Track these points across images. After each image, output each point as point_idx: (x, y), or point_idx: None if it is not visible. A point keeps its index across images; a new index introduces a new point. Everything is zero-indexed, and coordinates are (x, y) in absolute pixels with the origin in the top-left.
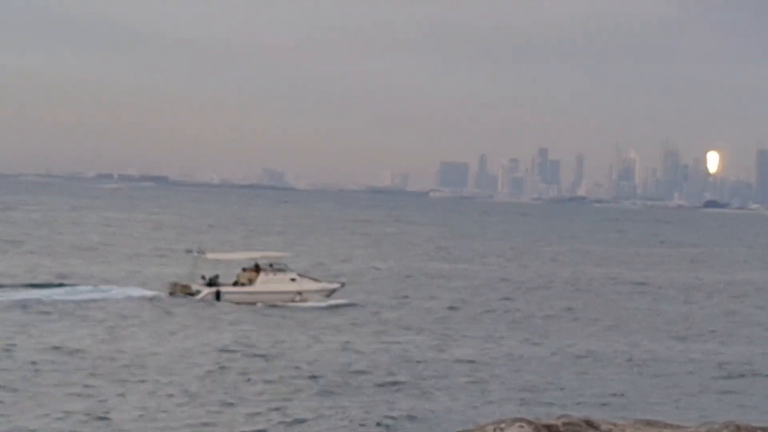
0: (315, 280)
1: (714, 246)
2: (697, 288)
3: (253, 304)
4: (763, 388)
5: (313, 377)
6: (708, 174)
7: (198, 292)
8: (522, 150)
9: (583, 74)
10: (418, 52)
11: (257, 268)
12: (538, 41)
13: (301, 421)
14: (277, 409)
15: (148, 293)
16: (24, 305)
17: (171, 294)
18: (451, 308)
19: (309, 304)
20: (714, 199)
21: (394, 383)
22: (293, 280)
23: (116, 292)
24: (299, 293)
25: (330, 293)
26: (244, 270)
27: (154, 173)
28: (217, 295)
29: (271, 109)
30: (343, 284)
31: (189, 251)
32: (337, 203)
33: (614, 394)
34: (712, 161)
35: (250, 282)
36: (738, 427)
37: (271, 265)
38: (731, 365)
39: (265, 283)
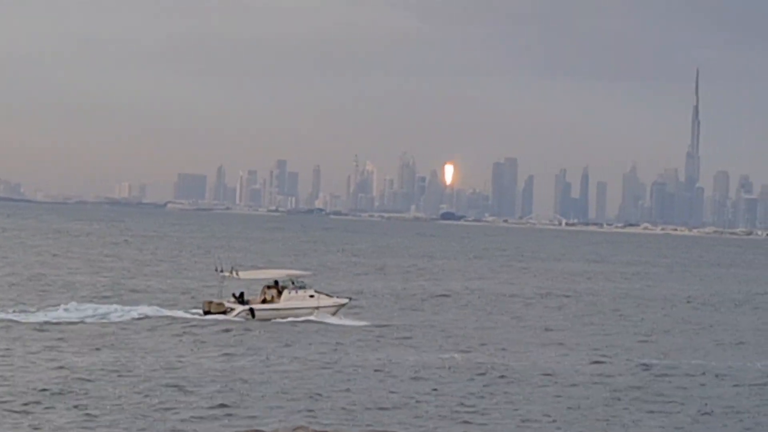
0: (329, 295)
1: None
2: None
3: (282, 319)
4: None
5: None
6: (444, 186)
7: (231, 309)
8: (260, 162)
9: (322, 86)
10: (159, 65)
11: (277, 285)
12: (279, 53)
13: None
14: None
15: (186, 314)
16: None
17: (206, 312)
18: None
19: (326, 319)
20: (451, 211)
21: None
22: (312, 296)
23: (147, 310)
24: (317, 308)
25: (340, 308)
26: (268, 287)
27: None
28: (252, 312)
29: (9, 121)
30: (350, 299)
31: (219, 270)
32: (62, 216)
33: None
34: (449, 174)
35: (274, 299)
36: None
37: (292, 282)
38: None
39: (289, 299)
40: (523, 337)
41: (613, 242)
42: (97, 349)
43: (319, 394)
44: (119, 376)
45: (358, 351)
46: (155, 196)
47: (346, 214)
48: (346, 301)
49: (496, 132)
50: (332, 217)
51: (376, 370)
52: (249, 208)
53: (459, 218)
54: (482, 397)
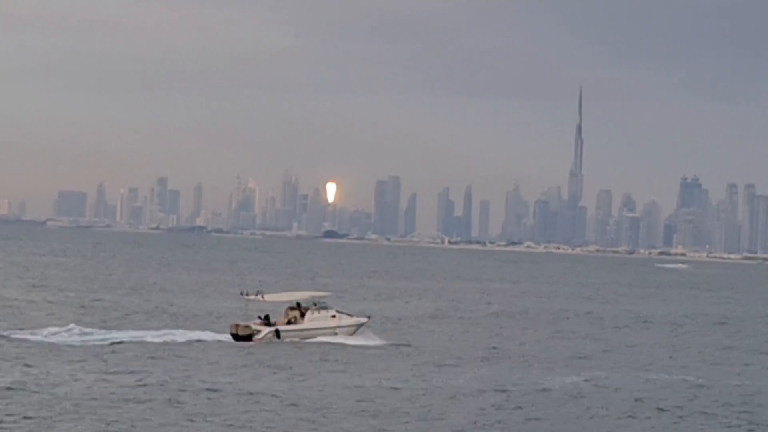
0: (349, 315)
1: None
2: None
3: (307, 339)
4: None
5: None
6: (327, 204)
7: (258, 332)
8: (141, 179)
9: (204, 103)
10: (38, 80)
11: (299, 307)
12: (160, 70)
13: None
14: None
15: (218, 336)
16: None
17: (232, 335)
18: None
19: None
20: (333, 229)
21: None
22: (333, 316)
23: (183, 335)
24: (339, 327)
25: (360, 327)
26: (291, 309)
27: None
28: (277, 334)
29: None
30: (369, 318)
31: (245, 294)
32: None
33: None
34: (331, 192)
35: (297, 320)
36: None
37: (315, 304)
38: None
39: (312, 320)
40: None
41: (517, 261)
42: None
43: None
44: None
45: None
46: (35, 213)
47: (227, 232)
48: (365, 320)
49: (379, 150)
50: (213, 234)
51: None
52: (129, 225)
53: (341, 236)
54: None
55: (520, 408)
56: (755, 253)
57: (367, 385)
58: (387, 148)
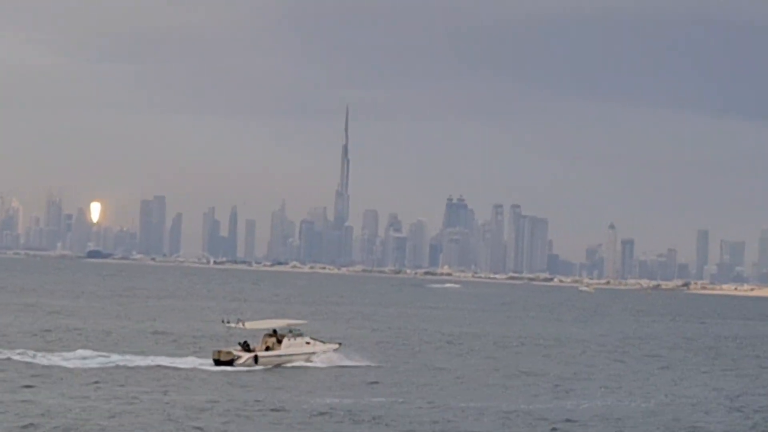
0: (322, 342)
1: None
2: None
3: (283, 364)
4: None
5: None
6: (91, 224)
7: (239, 357)
8: None
9: None
10: None
11: (276, 334)
12: None
13: None
14: None
15: (199, 361)
16: None
17: (214, 360)
18: None
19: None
20: (98, 248)
21: None
22: (308, 342)
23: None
24: (314, 353)
25: (332, 352)
26: (268, 336)
27: None
28: (255, 359)
29: None
30: (340, 344)
31: (226, 322)
32: None
33: None
34: (95, 211)
35: (274, 346)
36: None
37: (290, 331)
38: None
39: (288, 347)
40: None
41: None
42: None
43: None
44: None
45: None
46: None
47: None
48: (336, 346)
49: (144, 169)
50: None
51: None
52: None
53: (106, 256)
54: None
55: None
56: (520, 273)
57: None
58: (152, 168)
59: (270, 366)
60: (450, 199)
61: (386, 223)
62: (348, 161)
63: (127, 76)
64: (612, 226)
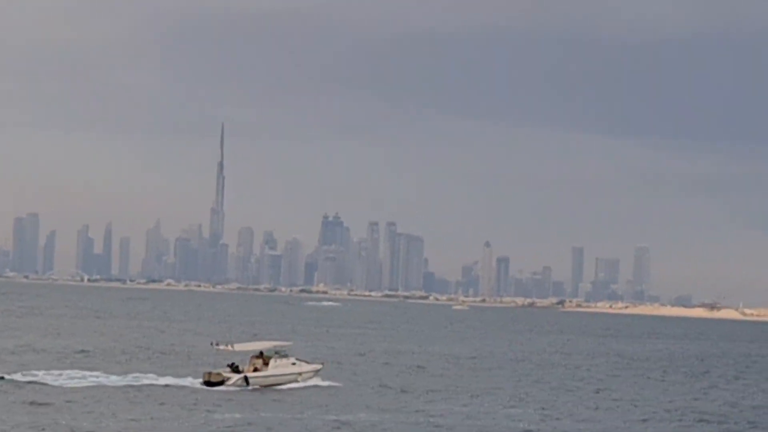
0: (307, 362)
1: None
2: None
3: (271, 385)
4: None
5: None
6: None
7: (228, 378)
8: None
9: None
10: None
11: (262, 355)
12: None
13: None
14: None
15: (187, 382)
16: None
17: (205, 381)
18: None
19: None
20: None
21: None
22: (294, 363)
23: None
24: (300, 374)
25: (317, 373)
26: (255, 357)
27: None
28: (246, 380)
29: None
30: (323, 364)
31: (215, 344)
32: None
33: None
34: None
35: (261, 367)
36: None
37: (276, 352)
38: None
39: (276, 368)
40: None
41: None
42: None
43: None
44: None
45: None
46: None
47: None
48: (320, 366)
49: (17, 186)
50: None
51: None
52: None
53: None
54: None
55: None
56: (396, 290)
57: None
58: (25, 185)
59: (259, 387)
60: (326, 217)
61: (261, 241)
62: (223, 179)
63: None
64: (487, 244)
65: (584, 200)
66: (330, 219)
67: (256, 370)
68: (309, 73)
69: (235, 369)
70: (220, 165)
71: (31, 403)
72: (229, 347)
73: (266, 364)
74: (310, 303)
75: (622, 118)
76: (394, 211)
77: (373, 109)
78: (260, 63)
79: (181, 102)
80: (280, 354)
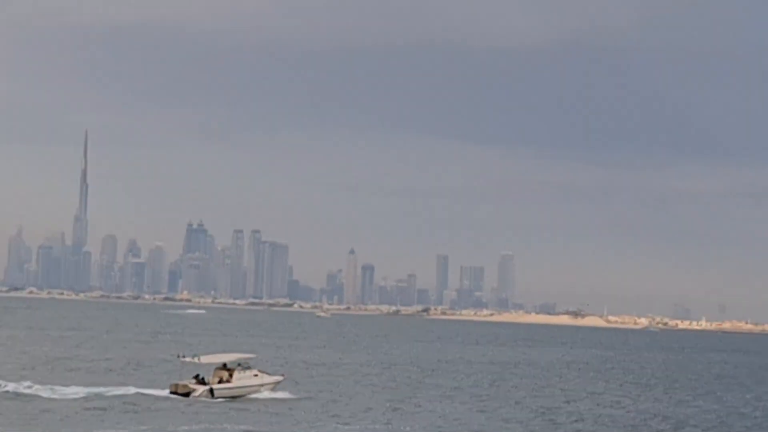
0: (269, 374)
1: None
2: None
3: (236, 397)
4: None
5: None
6: None
7: (194, 390)
8: None
9: None
10: None
11: (225, 367)
12: None
13: None
14: None
15: (156, 392)
16: None
17: (172, 392)
18: None
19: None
20: None
21: None
22: (256, 375)
23: (127, 390)
24: (262, 386)
25: (277, 384)
26: (219, 369)
27: None
28: (211, 392)
29: None
30: (283, 376)
31: (181, 356)
32: None
33: None
34: None
35: (226, 379)
36: None
37: (239, 365)
38: None
39: (240, 379)
40: None
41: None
42: None
43: None
44: None
45: None
46: None
47: None
48: (281, 378)
49: None
50: None
51: None
52: None
53: None
54: None
55: None
56: (260, 298)
57: None
58: None
59: (224, 398)
60: (190, 225)
61: (125, 249)
62: (87, 186)
63: None
64: (352, 252)
65: (448, 208)
66: (194, 227)
67: (221, 381)
68: (173, 80)
69: (200, 381)
70: (84, 172)
71: None
72: (196, 360)
73: (230, 375)
74: (173, 311)
75: (485, 125)
76: (258, 219)
77: (236, 116)
78: (126, 70)
79: (44, 109)
80: (243, 366)
